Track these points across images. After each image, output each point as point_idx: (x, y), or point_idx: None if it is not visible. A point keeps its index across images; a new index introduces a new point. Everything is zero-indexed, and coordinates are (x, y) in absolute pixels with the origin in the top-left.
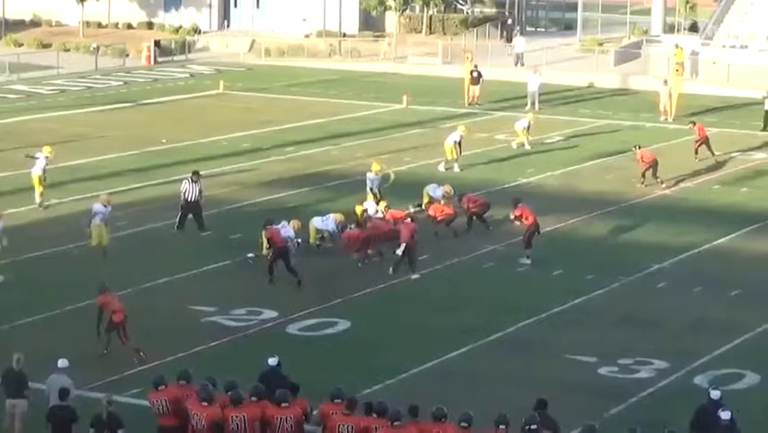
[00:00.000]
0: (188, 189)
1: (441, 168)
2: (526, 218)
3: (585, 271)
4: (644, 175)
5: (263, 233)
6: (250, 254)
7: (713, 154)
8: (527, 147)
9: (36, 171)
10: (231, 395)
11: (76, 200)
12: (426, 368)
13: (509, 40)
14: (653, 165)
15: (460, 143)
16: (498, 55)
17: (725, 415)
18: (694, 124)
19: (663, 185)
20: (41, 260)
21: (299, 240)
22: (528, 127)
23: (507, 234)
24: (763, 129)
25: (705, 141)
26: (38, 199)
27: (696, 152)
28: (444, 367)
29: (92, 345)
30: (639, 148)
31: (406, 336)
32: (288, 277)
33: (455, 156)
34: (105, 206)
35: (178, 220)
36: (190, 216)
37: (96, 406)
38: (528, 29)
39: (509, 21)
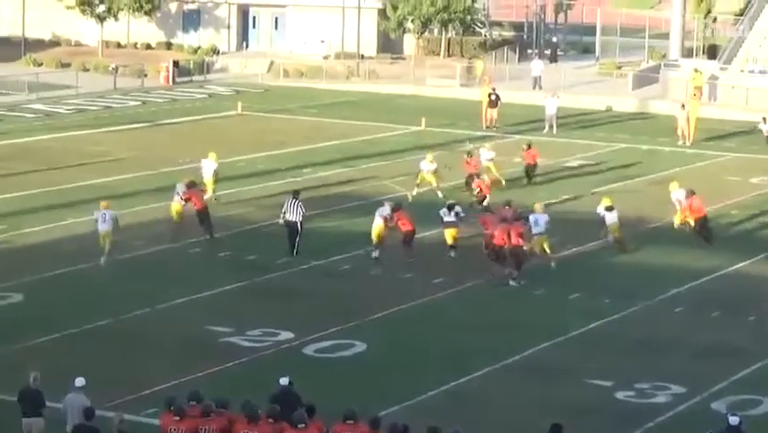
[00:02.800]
0: (289, 209)
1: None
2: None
3: (602, 295)
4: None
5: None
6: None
7: (529, 179)
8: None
9: (207, 176)
10: (246, 413)
11: (94, 220)
12: (442, 391)
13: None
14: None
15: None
16: (515, 78)
17: None
18: (529, 147)
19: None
20: (60, 278)
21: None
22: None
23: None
24: None
25: (534, 166)
26: (209, 195)
27: (527, 175)
28: (460, 390)
29: (109, 364)
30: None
31: (421, 359)
32: (306, 297)
33: (438, 183)
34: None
35: (295, 245)
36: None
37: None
38: (546, 52)
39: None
